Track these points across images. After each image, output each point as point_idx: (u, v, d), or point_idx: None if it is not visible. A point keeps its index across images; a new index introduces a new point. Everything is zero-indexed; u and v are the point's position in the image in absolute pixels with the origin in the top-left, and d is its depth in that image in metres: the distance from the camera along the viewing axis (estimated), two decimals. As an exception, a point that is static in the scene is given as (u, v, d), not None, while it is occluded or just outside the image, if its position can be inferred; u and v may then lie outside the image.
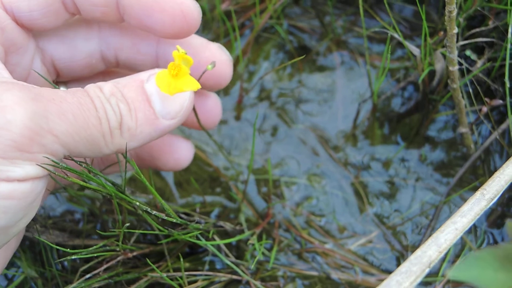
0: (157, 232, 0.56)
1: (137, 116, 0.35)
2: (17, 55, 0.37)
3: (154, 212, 0.51)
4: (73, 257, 0.54)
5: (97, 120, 0.33)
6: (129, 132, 0.35)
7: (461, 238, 0.69)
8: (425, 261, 0.44)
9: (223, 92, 0.78)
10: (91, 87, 0.34)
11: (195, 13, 0.38)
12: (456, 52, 0.59)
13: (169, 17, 0.38)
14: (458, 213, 0.47)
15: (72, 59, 0.41)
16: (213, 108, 0.45)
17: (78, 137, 0.32)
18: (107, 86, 0.34)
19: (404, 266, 0.43)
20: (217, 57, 0.41)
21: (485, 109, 0.64)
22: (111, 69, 0.45)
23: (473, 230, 0.69)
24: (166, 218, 0.53)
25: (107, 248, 0.58)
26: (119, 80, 0.36)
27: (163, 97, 0.36)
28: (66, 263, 0.66)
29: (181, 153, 0.45)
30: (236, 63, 0.78)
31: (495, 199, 0.48)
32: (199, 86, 0.37)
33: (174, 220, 0.54)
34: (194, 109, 0.44)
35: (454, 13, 0.55)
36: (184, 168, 0.46)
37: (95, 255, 0.57)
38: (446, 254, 0.66)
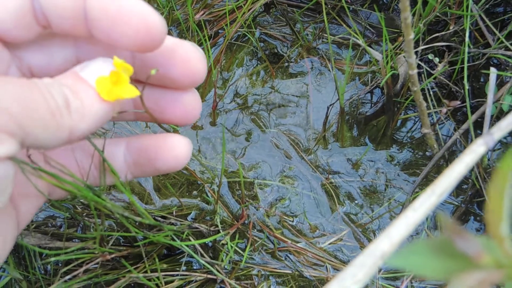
0: (133, 234, 0.58)
1: (81, 96, 0.36)
2: None
3: (126, 213, 0.54)
4: (53, 259, 0.56)
5: (45, 101, 0.34)
6: (78, 112, 0.36)
7: (427, 234, 0.72)
8: (378, 254, 0.46)
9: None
10: (33, 79, 0.35)
11: (159, 27, 0.40)
12: (414, 57, 0.63)
13: (133, 31, 0.39)
14: (410, 208, 0.50)
15: (49, 66, 0.41)
16: (191, 102, 0.43)
17: (31, 119, 0.33)
18: (46, 78, 0.36)
19: (359, 259, 0.45)
20: (191, 55, 0.40)
21: (444, 110, 0.67)
22: None
23: (438, 226, 0.72)
24: (140, 220, 0.55)
25: (87, 250, 0.61)
26: (55, 76, 0.38)
27: None
28: (48, 266, 0.69)
29: (179, 150, 0.45)
30: (209, 71, 0.81)
31: (445, 195, 0.51)
32: (138, 93, 0.38)
33: (147, 222, 0.56)
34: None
35: (409, 20, 0.58)
36: (185, 165, 0.46)
37: (75, 257, 0.59)
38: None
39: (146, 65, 0.40)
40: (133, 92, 0.38)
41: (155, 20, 0.40)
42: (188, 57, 0.40)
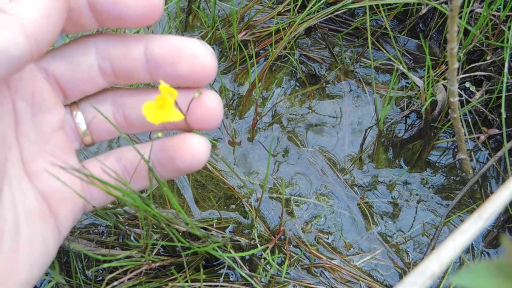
0: (178, 244, 0.60)
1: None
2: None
3: (176, 225, 0.56)
4: (105, 265, 0.58)
5: None
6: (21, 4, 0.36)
7: (460, 257, 0.74)
8: (428, 274, 0.49)
9: (239, 116, 0.84)
10: None
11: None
12: (456, 85, 0.65)
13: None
14: (458, 231, 0.52)
15: (73, 75, 0.42)
16: (210, 103, 0.44)
17: None
18: None
19: (410, 277, 0.47)
20: (197, 50, 0.41)
21: (482, 137, 0.70)
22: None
23: (470, 250, 0.74)
24: (189, 230, 0.57)
25: (133, 258, 0.63)
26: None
27: None
28: (90, 273, 0.71)
29: (197, 147, 0.46)
30: (251, 89, 0.84)
31: (491, 219, 0.53)
32: (182, 117, 0.40)
33: (197, 233, 0.58)
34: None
35: (455, 50, 0.61)
36: (203, 165, 0.47)
37: (122, 264, 0.61)
38: (446, 271, 0.71)
39: (158, 65, 0.42)
40: (177, 115, 0.41)
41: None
42: (195, 53, 0.41)
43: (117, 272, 0.67)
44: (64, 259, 0.73)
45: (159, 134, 0.45)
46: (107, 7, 0.39)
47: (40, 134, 0.43)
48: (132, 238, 0.75)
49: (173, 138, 0.45)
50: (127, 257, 0.65)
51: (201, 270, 0.62)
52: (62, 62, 0.43)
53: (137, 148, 0.45)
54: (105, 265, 0.60)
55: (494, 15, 0.76)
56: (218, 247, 0.66)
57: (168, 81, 0.41)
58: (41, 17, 0.35)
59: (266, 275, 0.72)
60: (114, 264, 0.60)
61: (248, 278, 0.68)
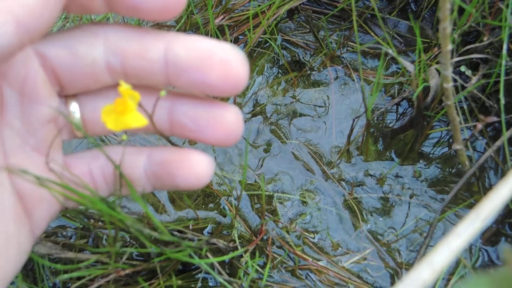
0: (150, 250, 0.55)
1: None
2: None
3: (144, 229, 0.50)
4: (66, 276, 0.53)
5: None
6: None
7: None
8: (419, 282, 0.43)
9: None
10: None
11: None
12: (450, 69, 0.59)
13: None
14: (453, 233, 0.46)
15: (74, 67, 0.38)
16: (234, 121, 0.39)
17: None
18: None
19: (399, 286, 0.42)
20: (231, 56, 0.36)
21: (480, 126, 0.64)
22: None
23: (467, 247, 0.69)
24: (159, 237, 0.52)
25: (100, 265, 0.58)
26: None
27: None
28: (57, 280, 0.66)
29: (201, 168, 0.42)
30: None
31: (489, 219, 0.47)
32: (146, 123, 0.36)
33: (166, 238, 0.53)
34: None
35: (448, 30, 0.55)
36: (206, 184, 0.43)
37: (85, 273, 0.56)
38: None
39: (181, 70, 0.37)
40: (140, 120, 0.36)
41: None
42: (228, 59, 0.36)
43: (85, 279, 0.62)
44: (30, 265, 0.68)
45: (124, 137, 0.41)
46: None
47: (26, 125, 0.39)
48: (104, 240, 0.70)
49: (174, 153, 0.41)
50: (96, 261, 0.60)
51: (173, 277, 0.57)
52: (63, 50, 0.38)
53: (109, 156, 0.41)
54: (69, 276, 0.54)
55: (490, -7, 0.70)
56: (195, 251, 0.61)
57: (191, 89, 0.37)
58: (37, 1, 0.32)
59: (247, 279, 0.66)
60: (76, 274, 0.55)
61: (227, 285, 0.62)
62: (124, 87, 0.35)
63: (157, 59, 0.37)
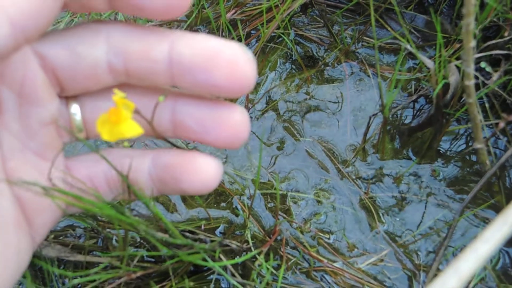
0: (162, 253, 0.53)
1: None
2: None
3: (158, 233, 0.49)
4: (76, 281, 0.52)
5: None
6: None
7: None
8: (446, 292, 0.41)
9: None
10: None
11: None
12: (473, 66, 0.57)
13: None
14: (480, 239, 0.44)
15: (75, 68, 0.37)
16: (241, 123, 0.38)
17: None
18: None
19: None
20: (239, 56, 0.35)
21: (502, 124, 0.62)
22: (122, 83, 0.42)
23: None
24: (171, 240, 0.50)
25: (109, 269, 0.56)
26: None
27: None
28: (67, 281, 0.64)
29: (208, 172, 0.40)
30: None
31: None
32: (142, 132, 0.35)
33: (180, 242, 0.51)
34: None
35: (472, 26, 0.53)
36: (214, 189, 0.41)
37: (95, 278, 0.55)
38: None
39: (186, 71, 0.35)
40: (136, 130, 0.35)
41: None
42: (236, 58, 0.35)
43: (96, 283, 0.61)
44: (39, 265, 0.66)
45: (126, 144, 0.39)
46: None
47: (25, 128, 0.37)
48: (114, 241, 0.68)
49: (179, 156, 0.39)
50: (105, 266, 0.59)
51: (186, 280, 0.55)
52: (63, 51, 0.36)
53: (112, 163, 0.39)
54: (79, 281, 0.53)
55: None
56: (207, 252, 0.59)
57: (197, 90, 0.36)
58: (33, 1, 0.30)
59: (261, 282, 0.65)
60: (87, 279, 0.53)
61: (240, 287, 0.61)
62: (118, 96, 0.33)
63: (161, 59, 0.36)
